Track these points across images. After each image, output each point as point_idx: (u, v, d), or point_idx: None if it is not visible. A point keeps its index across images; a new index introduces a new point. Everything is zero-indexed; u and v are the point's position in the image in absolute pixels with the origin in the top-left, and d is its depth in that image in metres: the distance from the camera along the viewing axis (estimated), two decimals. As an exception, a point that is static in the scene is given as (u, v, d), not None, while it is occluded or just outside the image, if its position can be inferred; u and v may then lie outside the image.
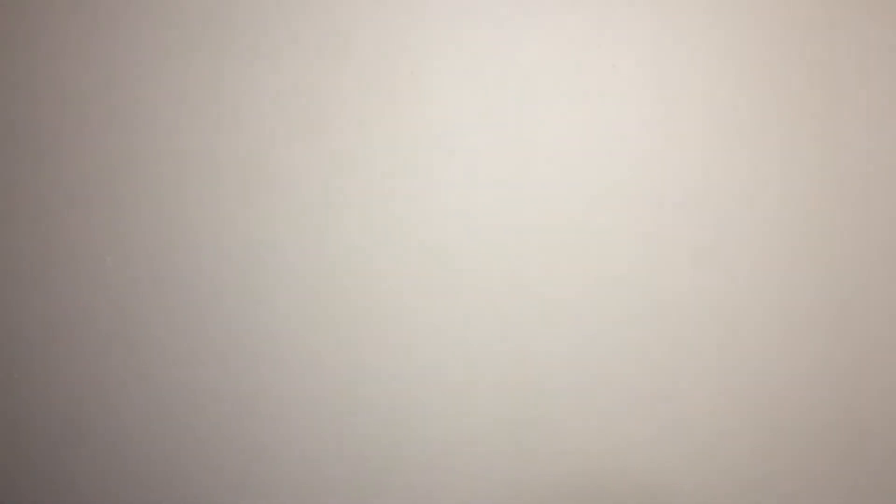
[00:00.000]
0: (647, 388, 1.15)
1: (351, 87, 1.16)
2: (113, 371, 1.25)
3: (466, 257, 1.16)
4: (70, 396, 1.25)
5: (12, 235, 1.25)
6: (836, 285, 1.11)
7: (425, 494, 1.19)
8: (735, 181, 1.11)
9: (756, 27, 1.09)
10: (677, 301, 1.13)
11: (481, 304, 1.16)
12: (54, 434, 1.26)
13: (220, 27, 1.17)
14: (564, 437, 1.16)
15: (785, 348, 1.13)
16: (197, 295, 1.22)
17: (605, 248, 1.14)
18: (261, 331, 1.21)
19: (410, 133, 1.15)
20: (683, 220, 1.12)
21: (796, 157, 1.10)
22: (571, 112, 1.12)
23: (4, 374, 1.27)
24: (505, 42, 1.13)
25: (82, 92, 1.21)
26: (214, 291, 1.21)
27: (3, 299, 1.25)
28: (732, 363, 1.14)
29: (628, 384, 1.15)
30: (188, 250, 1.21)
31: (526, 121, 1.13)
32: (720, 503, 1.14)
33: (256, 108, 1.18)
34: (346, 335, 1.19)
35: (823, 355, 1.12)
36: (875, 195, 1.10)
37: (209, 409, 1.23)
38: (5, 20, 1.22)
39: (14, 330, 1.26)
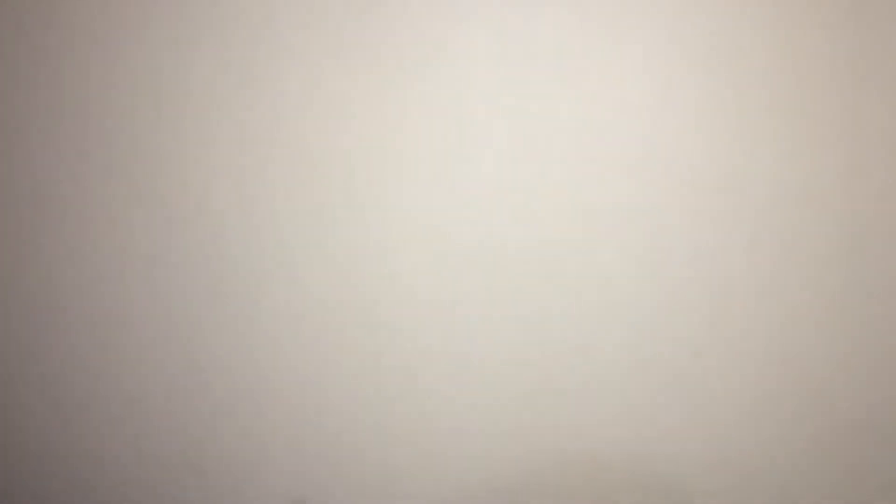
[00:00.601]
0: (655, 371, 1.16)
1: (358, 82, 1.16)
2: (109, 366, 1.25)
3: (477, 244, 1.17)
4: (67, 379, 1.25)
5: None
6: (844, 276, 1.13)
7: (432, 469, 1.19)
8: (742, 173, 1.12)
9: (767, 16, 1.11)
10: (685, 289, 1.15)
11: (493, 292, 1.17)
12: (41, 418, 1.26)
13: (226, 15, 1.18)
14: (571, 416, 1.17)
15: (792, 341, 1.14)
16: (199, 296, 1.22)
17: (617, 238, 1.15)
18: (270, 327, 1.21)
19: (419, 128, 1.16)
20: (694, 208, 1.13)
21: (800, 151, 1.12)
22: (582, 106, 1.13)
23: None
24: (517, 32, 1.13)
25: (83, 90, 1.21)
26: (218, 293, 1.22)
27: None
28: (741, 347, 1.15)
29: (635, 367, 1.16)
30: (191, 249, 1.21)
31: (536, 117, 1.14)
32: (728, 487, 1.15)
33: (262, 102, 1.18)
34: (360, 321, 1.20)
35: (833, 349, 1.14)
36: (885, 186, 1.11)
37: (207, 410, 1.23)
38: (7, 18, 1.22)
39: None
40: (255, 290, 1.20)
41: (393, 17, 1.14)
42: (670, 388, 1.15)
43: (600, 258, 1.15)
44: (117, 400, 1.24)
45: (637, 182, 1.13)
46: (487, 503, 1.17)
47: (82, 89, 1.21)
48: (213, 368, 1.22)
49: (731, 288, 1.13)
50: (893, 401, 1.13)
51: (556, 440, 1.17)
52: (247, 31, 1.17)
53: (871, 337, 1.13)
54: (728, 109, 1.11)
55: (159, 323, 1.22)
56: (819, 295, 1.13)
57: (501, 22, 1.13)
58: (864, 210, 1.11)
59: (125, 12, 1.19)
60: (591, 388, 1.16)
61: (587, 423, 1.16)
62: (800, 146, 1.11)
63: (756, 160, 1.12)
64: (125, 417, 1.24)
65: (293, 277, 1.19)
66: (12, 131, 1.22)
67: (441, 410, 1.19)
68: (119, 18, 1.19)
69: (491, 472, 1.18)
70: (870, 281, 1.12)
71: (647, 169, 1.13)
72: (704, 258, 1.14)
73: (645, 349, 1.16)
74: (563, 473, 1.17)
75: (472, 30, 1.13)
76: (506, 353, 1.18)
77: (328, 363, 1.21)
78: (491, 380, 1.18)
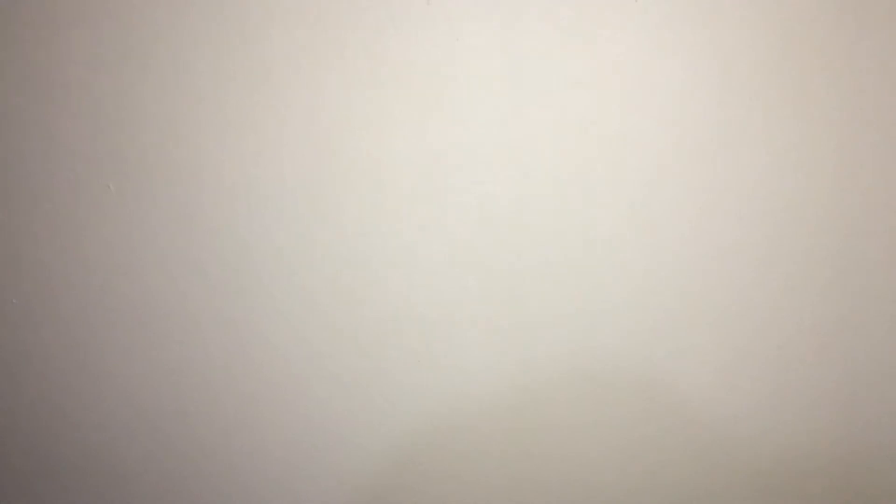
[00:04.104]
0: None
1: (359, 87, 1.15)
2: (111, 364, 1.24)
3: (475, 246, 1.17)
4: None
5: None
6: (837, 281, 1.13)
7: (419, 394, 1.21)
8: (736, 175, 1.12)
9: (761, 21, 1.09)
10: (681, 289, 1.15)
11: (489, 294, 1.17)
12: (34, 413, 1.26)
13: (229, 18, 1.16)
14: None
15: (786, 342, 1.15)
16: (197, 295, 1.22)
17: (614, 242, 1.14)
18: (267, 326, 1.21)
19: (416, 131, 1.15)
20: (692, 210, 1.13)
21: (794, 153, 1.11)
22: (581, 110, 1.13)
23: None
24: (512, 39, 1.13)
25: (92, 88, 1.20)
26: (216, 292, 1.21)
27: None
28: (739, 349, 1.15)
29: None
30: (189, 248, 1.21)
31: (534, 122, 1.13)
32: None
33: (264, 105, 1.17)
34: (358, 320, 1.20)
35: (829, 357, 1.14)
36: (877, 191, 1.11)
37: (205, 407, 1.23)
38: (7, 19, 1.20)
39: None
40: (253, 290, 1.20)
41: (395, 21, 1.13)
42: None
43: (596, 262, 1.15)
44: (114, 397, 1.24)
45: (634, 185, 1.13)
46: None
47: (87, 91, 1.19)
48: (211, 366, 1.22)
49: (731, 290, 1.14)
50: (892, 400, 1.15)
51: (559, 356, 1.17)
52: (251, 36, 1.15)
53: (870, 337, 1.13)
54: (727, 109, 1.11)
55: (156, 321, 1.22)
56: (814, 294, 1.13)
57: (502, 28, 1.12)
58: (861, 210, 1.11)
59: (130, 14, 1.17)
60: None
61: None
62: (798, 146, 1.11)
63: (755, 161, 1.12)
64: (122, 414, 1.24)
65: (290, 278, 1.19)
66: (9, 128, 1.21)
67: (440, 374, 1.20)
68: (122, 21, 1.18)
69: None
70: (866, 281, 1.12)
71: (646, 172, 1.13)
72: (702, 260, 1.14)
73: (636, 354, 1.16)
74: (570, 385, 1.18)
75: (473, 37, 1.12)
76: (502, 357, 1.18)
77: (325, 362, 1.21)
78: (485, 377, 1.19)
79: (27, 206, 1.21)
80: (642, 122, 1.11)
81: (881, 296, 1.12)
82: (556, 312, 1.16)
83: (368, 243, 1.17)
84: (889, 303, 1.12)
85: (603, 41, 1.11)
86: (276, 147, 1.17)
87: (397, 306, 1.18)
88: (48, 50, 1.17)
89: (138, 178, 1.19)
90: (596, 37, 1.11)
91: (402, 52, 1.13)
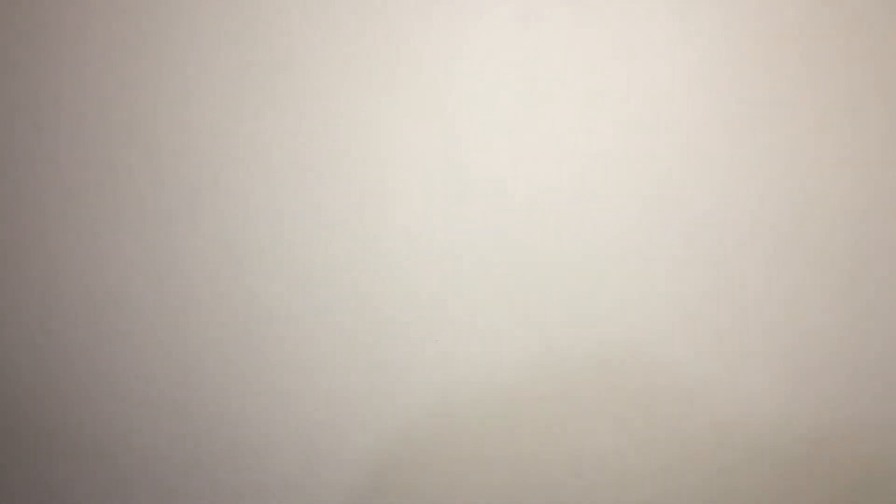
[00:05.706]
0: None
1: (363, 82, 1.16)
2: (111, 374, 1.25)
3: (476, 243, 1.17)
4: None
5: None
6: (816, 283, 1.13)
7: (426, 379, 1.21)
8: (729, 176, 1.12)
9: (751, 25, 1.10)
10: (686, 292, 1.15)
11: (490, 292, 1.18)
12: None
13: (228, 18, 1.17)
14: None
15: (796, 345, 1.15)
16: (199, 293, 1.22)
17: (618, 244, 1.16)
18: (268, 323, 1.21)
19: (420, 127, 1.16)
20: (680, 213, 1.12)
21: (787, 153, 1.11)
22: (585, 109, 1.13)
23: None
24: (518, 45, 1.13)
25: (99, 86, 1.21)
26: (218, 288, 1.22)
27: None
28: (743, 351, 1.15)
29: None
30: (191, 245, 1.21)
31: (540, 118, 1.14)
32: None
33: (266, 102, 1.18)
34: (357, 318, 1.20)
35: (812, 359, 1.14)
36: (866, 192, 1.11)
37: (205, 403, 1.23)
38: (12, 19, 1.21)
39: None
40: (254, 288, 1.21)
41: (397, 19, 1.15)
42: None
43: (608, 260, 1.15)
44: (114, 393, 1.25)
45: (648, 181, 1.13)
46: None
47: (106, 74, 1.21)
48: (211, 363, 1.23)
49: (735, 293, 1.13)
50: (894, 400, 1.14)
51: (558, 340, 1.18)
52: (252, 35, 1.17)
53: (887, 338, 1.13)
54: (744, 103, 1.11)
55: (157, 319, 1.23)
56: (828, 293, 1.13)
57: (506, 28, 1.13)
58: (877, 208, 1.11)
59: (127, 23, 1.19)
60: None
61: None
62: (814, 140, 1.10)
63: (772, 157, 1.11)
64: (121, 410, 1.25)
65: (293, 276, 1.20)
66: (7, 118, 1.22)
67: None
68: (120, 29, 1.19)
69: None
70: (881, 280, 1.12)
71: (660, 167, 1.13)
72: (719, 256, 1.13)
73: (647, 355, 1.17)
74: (567, 374, 1.18)
75: (487, 32, 1.14)
76: (512, 356, 1.18)
77: (326, 359, 1.21)
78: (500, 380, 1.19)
79: (42, 185, 1.22)
80: (655, 116, 1.11)
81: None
82: (568, 310, 1.16)
83: (378, 240, 1.18)
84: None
85: (615, 33, 1.11)
86: (291, 137, 1.18)
87: (404, 304, 1.19)
88: (67, 31, 1.20)
89: (152, 158, 1.20)
90: (609, 29, 1.11)
91: (415, 49, 1.14)
